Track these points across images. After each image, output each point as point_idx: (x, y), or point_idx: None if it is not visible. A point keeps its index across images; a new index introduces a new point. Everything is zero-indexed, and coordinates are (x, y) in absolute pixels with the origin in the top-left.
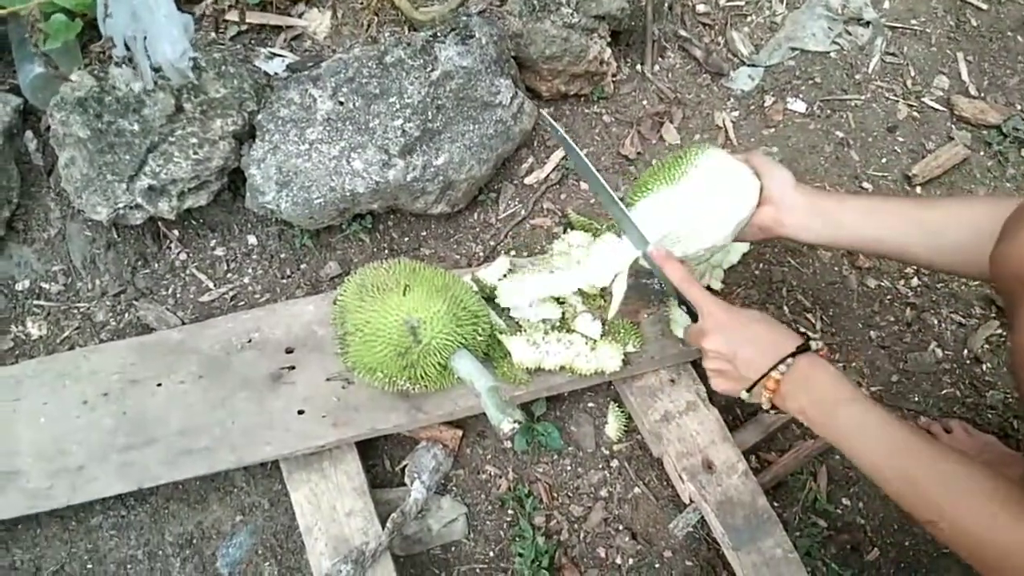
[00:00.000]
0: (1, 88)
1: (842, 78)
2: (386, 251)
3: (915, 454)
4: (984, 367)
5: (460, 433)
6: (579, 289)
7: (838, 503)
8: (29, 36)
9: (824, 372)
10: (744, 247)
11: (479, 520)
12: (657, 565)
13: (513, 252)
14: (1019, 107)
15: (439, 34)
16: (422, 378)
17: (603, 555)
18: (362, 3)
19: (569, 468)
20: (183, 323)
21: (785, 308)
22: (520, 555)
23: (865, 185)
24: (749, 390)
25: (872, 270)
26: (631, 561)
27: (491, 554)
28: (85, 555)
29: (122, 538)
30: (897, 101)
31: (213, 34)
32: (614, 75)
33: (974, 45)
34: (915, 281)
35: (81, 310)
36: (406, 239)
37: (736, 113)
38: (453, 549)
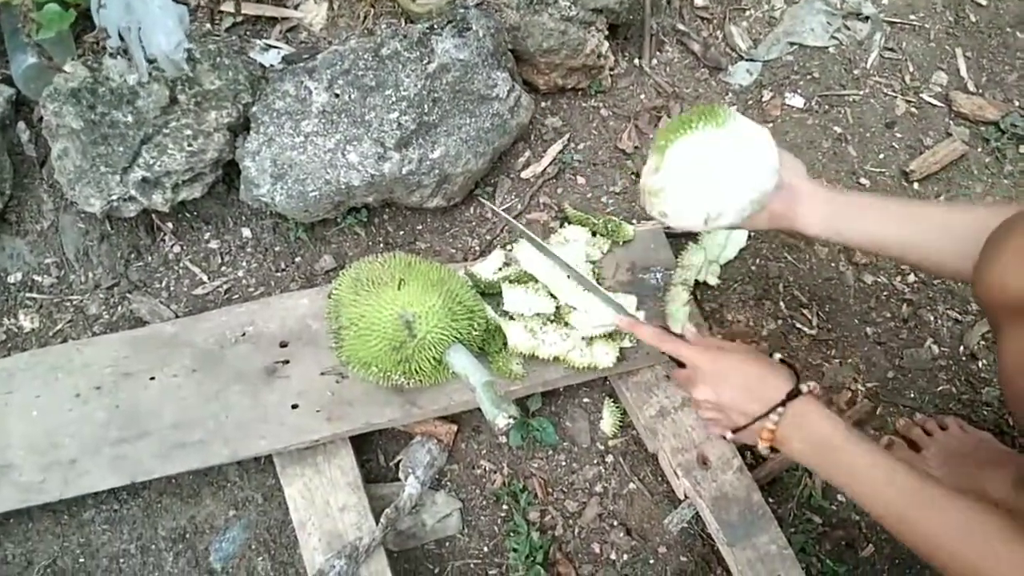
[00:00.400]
0: None
1: (840, 73)
2: (381, 245)
3: (914, 494)
4: (980, 363)
5: (455, 428)
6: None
7: (833, 499)
8: (22, 26)
9: (818, 415)
10: (741, 243)
11: (473, 515)
12: (652, 561)
13: (509, 247)
14: (1017, 103)
15: (436, 26)
16: (417, 373)
17: (598, 551)
18: None
19: (564, 464)
20: (176, 316)
21: (781, 304)
22: (514, 550)
23: (863, 181)
24: (744, 435)
25: (869, 266)
26: (625, 557)
27: (485, 549)
28: (77, 549)
29: (114, 532)
30: (895, 97)
31: (208, 25)
32: (612, 69)
33: (973, 41)
34: (911, 278)
35: (74, 303)
36: (401, 233)
37: (734, 108)
38: (447, 544)
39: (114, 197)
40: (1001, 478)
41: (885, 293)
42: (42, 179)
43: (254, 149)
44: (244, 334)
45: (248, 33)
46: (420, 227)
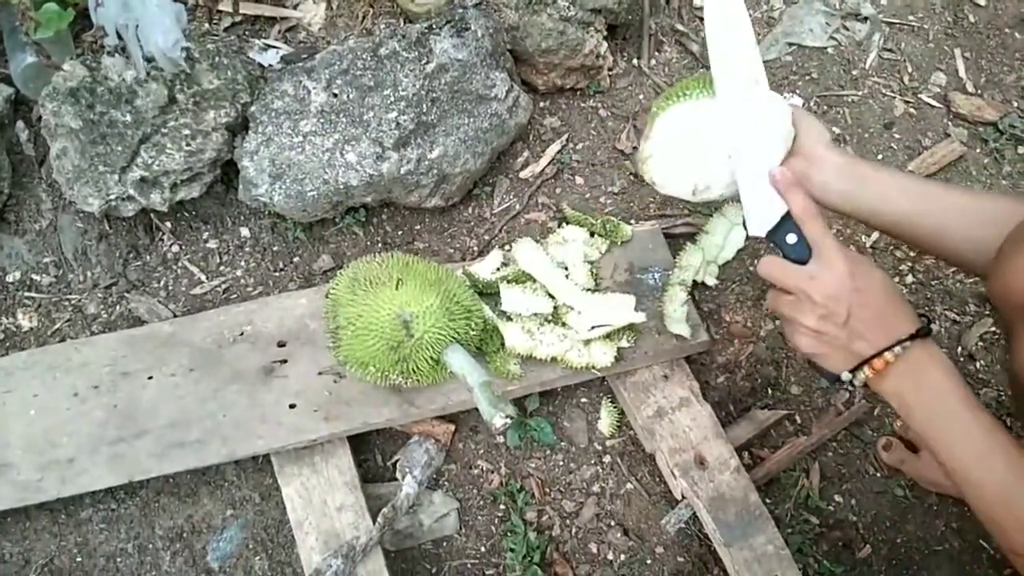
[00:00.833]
0: None
1: (839, 74)
2: (379, 245)
3: (1017, 469)
4: (978, 364)
5: (452, 428)
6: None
7: (830, 500)
8: (20, 25)
9: (939, 364)
10: (739, 244)
11: (471, 515)
12: (649, 561)
13: (507, 247)
14: (1016, 104)
15: (434, 26)
16: (414, 372)
17: (595, 551)
18: None
19: (561, 464)
20: (175, 316)
21: None
22: (511, 550)
23: None
24: (852, 370)
25: None
26: (623, 557)
27: (482, 549)
28: (74, 548)
29: (112, 531)
30: (894, 97)
31: (206, 25)
32: (610, 69)
33: (971, 42)
34: (910, 278)
35: (72, 302)
36: (400, 233)
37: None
38: (444, 544)
39: (112, 196)
40: None
41: None
42: (41, 178)
43: (252, 149)
44: (242, 334)
45: (247, 33)
46: (418, 227)
